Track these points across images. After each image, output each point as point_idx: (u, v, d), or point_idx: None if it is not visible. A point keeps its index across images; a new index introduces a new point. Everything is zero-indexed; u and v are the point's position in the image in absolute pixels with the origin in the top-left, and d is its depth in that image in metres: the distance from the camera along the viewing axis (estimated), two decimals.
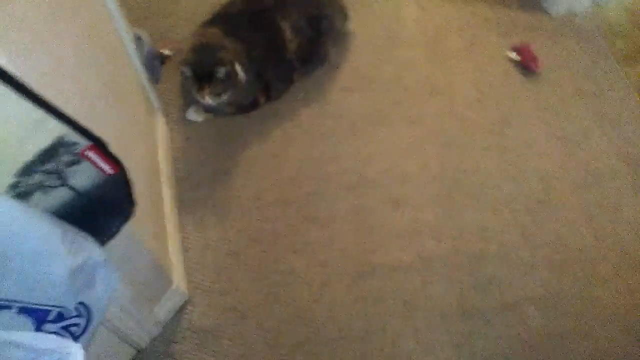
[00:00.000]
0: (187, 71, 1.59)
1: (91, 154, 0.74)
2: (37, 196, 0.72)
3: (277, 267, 1.52)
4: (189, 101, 1.83)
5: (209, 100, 1.62)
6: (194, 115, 1.80)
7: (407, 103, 1.84)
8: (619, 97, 1.82)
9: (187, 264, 1.52)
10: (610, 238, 1.56)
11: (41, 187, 0.72)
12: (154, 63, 1.68)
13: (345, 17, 1.93)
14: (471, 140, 1.75)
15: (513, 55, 1.92)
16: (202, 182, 1.69)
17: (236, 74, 1.60)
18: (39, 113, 0.64)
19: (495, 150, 1.72)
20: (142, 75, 1.58)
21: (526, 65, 1.88)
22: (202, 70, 1.58)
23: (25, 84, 0.62)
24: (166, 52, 1.91)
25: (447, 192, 1.65)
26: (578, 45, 1.95)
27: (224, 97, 1.63)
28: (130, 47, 1.46)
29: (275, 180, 1.69)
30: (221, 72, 1.57)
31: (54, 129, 0.68)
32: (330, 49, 1.89)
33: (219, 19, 1.77)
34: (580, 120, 1.78)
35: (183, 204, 1.64)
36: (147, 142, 1.50)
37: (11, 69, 0.62)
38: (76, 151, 0.73)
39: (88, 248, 0.73)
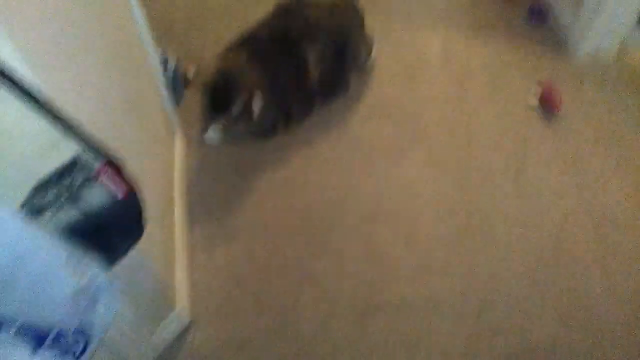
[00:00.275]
0: (205, 95, 1.60)
1: (106, 175, 0.74)
2: (49, 214, 0.72)
3: (283, 298, 1.50)
4: (208, 124, 1.84)
5: (220, 127, 1.62)
6: (212, 137, 1.80)
7: (425, 139, 1.83)
8: None
9: (192, 287, 1.51)
10: (625, 292, 1.51)
11: (53, 204, 0.71)
12: (178, 84, 1.70)
13: (370, 49, 1.94)
14: (487, 182, 1.72)
15: (535, 96, 1.90)
16: (214, 205, 1.69)
17: (252, 108, 1.61)
18: (58, 131, 0.65)
19: (510, 194, 1.70)
20: (165, 95, 1.60)
21: (547, 107, 1.86)
22: (218, 99, 1.58)
23: (47, 102, 0.62)
24: (190, 73, 1.93)
25: (460, 232, 1.63)
26: (601, 90, 1.93)
27: (237, 128, 1.64)
28: (157, 67, 1.48)
29: (289, 208, 1.68)
30: (237, 107, 1.57)
31: (72, 148, 0.68)
32: (353, 79, 1.89)
33: (246, 43, 1.79)
34: (599, 167, 1.75)
35: (194, 226, 1.64)
36: (164, 162, 1.51)
37: (35, 85, 0.63)
38: (91, 171, 0.73)
39: (92, 270, 0.72)
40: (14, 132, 0.61)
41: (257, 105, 1.61)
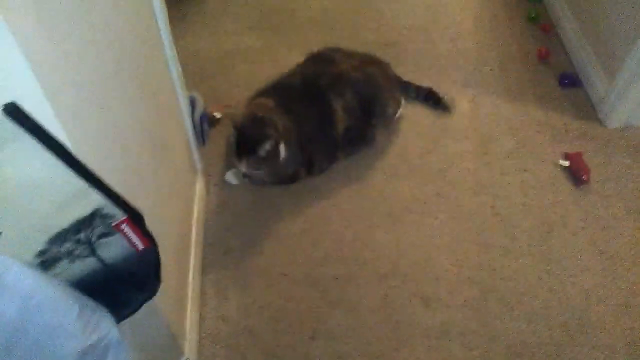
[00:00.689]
0: (232, 136, 1.60)
1: (126, 228, 0.72)
2: (63, 264, 0.70)
3: (293, 352, 1.45)
4: (230, 164, 1.83)
5: (244, 169, 1.62)
6: (232, 178, 1.80)
7: (450, 197, 1.79)
8: None
9: (201, 335, 1.46)
10: None
11: (69, 255, 0.70)
12: (204, 126, 1.71)
13: (398, 104, 1.93)
14: (512, 245, 1.68)
15: (563, 162, 1.87)
16: (230, 250, 1.66)
17: (278, 153, 1.60)
18: (82, 183, 0.63)
19: (536, 258, 1.65)
20: (191, 136, 1.60)
21: (576, 174, 1.82)
22: (245, 141, 1.58)
23: (74, 154, 0.61)
24: (217, 115, 1.94)
25: (482, 295, 1.57)
26: (632, 161, 1.89)
27: (260, 171, 1.64)
28: (184, 108, 1.49)
29: (305, 258, 1.65)
30: (263, 150, 1.57)
31: (94, 200, 0.66)
32: (379, 132, 1.88)
33: (274, 90, 1.80)
34: (629, 240, 1.69)
35: (207, 270, 1.61)
36: (183, 202, 1.50)
37: (62, 135, 0.61)
38: (112, 223, 0.71)
39: (104, 327, 0.69)
40: (40, 183, 0.60)
41: (282, 152, 1.61)
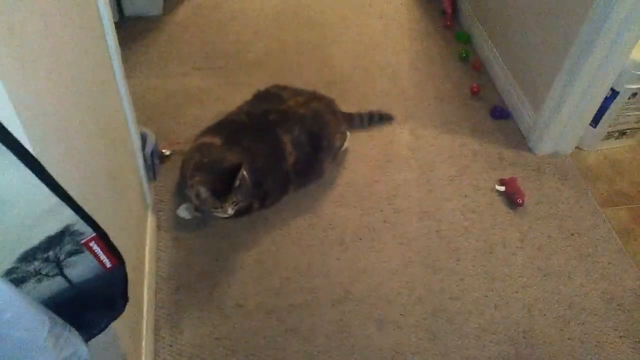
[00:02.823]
0: (204, 192, 1.60)
1: (94, 245, 0.74)
2: (30, 284, 0.70)
3: None
4: (181, 200, 1.84)
5: (231, 211, 1.64)
6: (184, 212, 1.81)
7: (396, 224, 1.87)
8: (601, 237, 1.87)
9: None
10: None
11: (37, 274, 0.70)
12: (154, 161, 1.72)
13: (344, 137, 2.02)
14: (457, 266, 1.76)
15: (499, 187, 1.99)
16: (183, 284, 1.66)
17: (245, 177, 1.65)
18: (55, 199, 0.65)
19: (480, 278, 1.73)
20: (142, 171, 1.61)
21: (512, 198, 1.95)
22: (219, 186, 1.60)
23: (47, 171, 0.63)
24: (166, 152, 1.96)
25: (432, 315, 1.63)
26: (561, 185, 2.04)
27: (240, 204, 1.66)
28: (136, 143, 1.50)
29: (260, 289, 1.66)
30: (238, 180, 1.60)
31: (65, 217, 0.68)
32: (327, 164, 1.95)
33: (222, 128, 1.84)
34: (563, 256, 1.81)
35: (161, 305, 1.59)
36: (136, 236, 1.49)
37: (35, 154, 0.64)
38: (80, 241, 0.72)
39: (74, 343, 0.70)
40: (14, 198, 0.61)
41: (245, 174, 1.66)
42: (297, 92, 1.99)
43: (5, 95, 0.59)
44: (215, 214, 1.66)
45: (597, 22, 1.74)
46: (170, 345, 1.51)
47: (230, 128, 1.84)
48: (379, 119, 2.21)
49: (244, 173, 1.64)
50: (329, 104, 2.01)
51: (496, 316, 1.65)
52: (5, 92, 0.59)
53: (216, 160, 1.68)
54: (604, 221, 1.93)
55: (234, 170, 1.60)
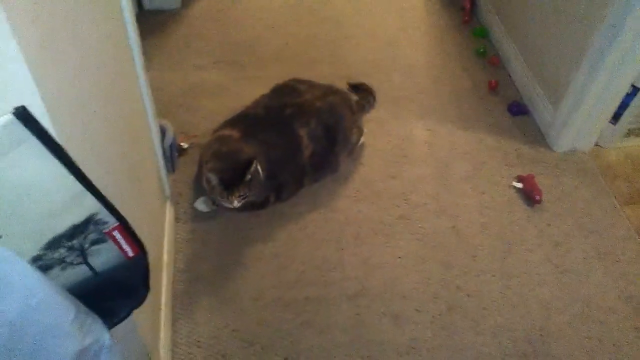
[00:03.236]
0: (214, 179, 1.61)
1: (117, 234, 0.75)
2: (55, 272, 0.71)
3: None
4: (199, 193, 1.86)
5: (237, 204, 1.63)
6: (202, 205, 1.82)
7: (412, 219, 1.86)
8: (620, 236, 1.85)
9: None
10: None
11: (62, 262, 0.71)
12: (173, 154, 1.73)
13: (360, 132, 2.02)
14: (473, 263, 1.75)
15: (517, 184, 1.98)
16: (201, 276, 1.67)
17: (258, 172, 1.64)
18: (80, 187, 0.66)
19: (497, 275, 1.73)
20: (160, 163, 1.62)
21: (529, 195, 1.93)
22: (229, 176, 1.60)
23: (74, 159, 0.64)
24: (184, 144, 1.97)
25: (448, 312, 1.63)
26: (579, 182, 2.02)
27: (249, 198, 1.66)
28: (155, 136, 1.52)
29: (276, 282, 1.67)
30: (249, 175, 1.60)
31: (90, 206, 0.69)
32: (343, 159, 1.95)
33: (240, 121, 1.85)
34: (581, 254, 1.80)
35: (179, 296, 1.61)
36: (154, 228, 1.51)
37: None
38: (104, 230, 0.73)
39: (97, 330, 0.71)
40: (41, 186, 0.62)
41: (260, 170, 1.66)
42: (314, 86, 1.99)
43: (33, 84, 0.60)
44: (222, 203, 1.67)
45: (618, 18, 1.72)
46: (188, 337, 1.52)
47: (247, 121, 1.85)
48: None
49: (258, 168, 1.64)
50: (345, 98, 2.01)
51: (513, 313, 1.64)
52: (33, 81, 0.60)
53: (232, 152, 1.69)
54: (624, 220, 1.90)
55: (247, 164, 1.61)
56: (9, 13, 0.53)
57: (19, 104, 0.57)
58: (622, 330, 1.62)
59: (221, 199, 1.64)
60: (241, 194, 1.62)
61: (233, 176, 1.61)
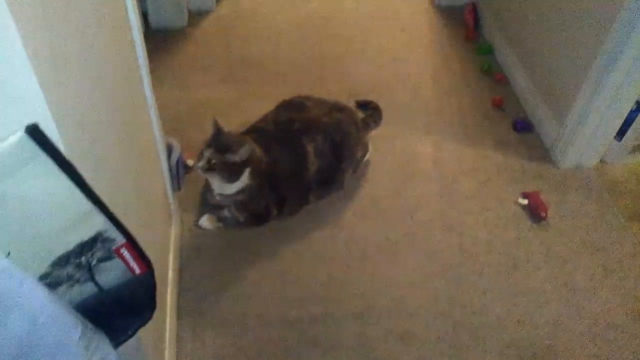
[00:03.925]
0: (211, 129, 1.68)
1: (125, 252, 0.75)
2: (62, 289, 0.71)
3: None
4: (204, 210, 1.86)
5: (202, 164, 1.65)
6: (206, 223, 1.82)
7: (419, 236, 1.86)
8: (627, 253, 1.84)
9: None
10: None
11: (69, 279, 0.71)
12: (180, 171, 1.74)
13: (366, 149, 2.02)
14: (480, 280, 1.74)
15: (522, 201, 1.97)
16: (206, 294, 1.66)
17: (241, 171, 1.68)
18: (89, 205, 0.66)
19: (503, 292, 1.71)
20: (167, 180, 1.62)
21: (535, 212, 1.93)
22: (217, 140, 1.67)
23: (83, 177, 0.64)
24: (191, 162, 1.97)
25: (455, 330, 1.62)
26: (585, 198, 2.01)
27: (213, 174, 1.68)
28: (162, 153, 1.52)
29: (281, 300, 1.66)
30: (235, 154, 1.64)
31: (98, 223, 0.69)
32: (348, 176, 1.95)
33: (249, 133, 1.86)
34: (588, 272, 1.78)
35: (183, 315, 1.60)
36: (160, 245, 1.51)
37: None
38: (111, 247, 0.73)
39: (104, 348, 0.71)
40: (50, 203, 0.62)
41: (245, 176, 1.69)
42: (320, 102, 2.00)
43: (43, 101, 0.61)
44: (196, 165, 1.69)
45: (623, 34, 1.73)
46: (192, 355, 1.51)
47: (256, 134, 1.85)
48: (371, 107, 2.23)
49: (245, 172, 1.68)
50: (351, 114, 2.02)
51: (520, 331, 1.62)
52: (44, 98, 0.61)
53: (237, 137, 1.74)
54: (630, 236, 1.89)
55: (239, 142, 1.65)
56: (21, 31, 0.54)
57: (29, 121, 0.58)
58: (630, 348, 1.60)
59: (197, 159, 1.67)
60: (212, 157, 1.64)
61: (219, 141, 1.66)
